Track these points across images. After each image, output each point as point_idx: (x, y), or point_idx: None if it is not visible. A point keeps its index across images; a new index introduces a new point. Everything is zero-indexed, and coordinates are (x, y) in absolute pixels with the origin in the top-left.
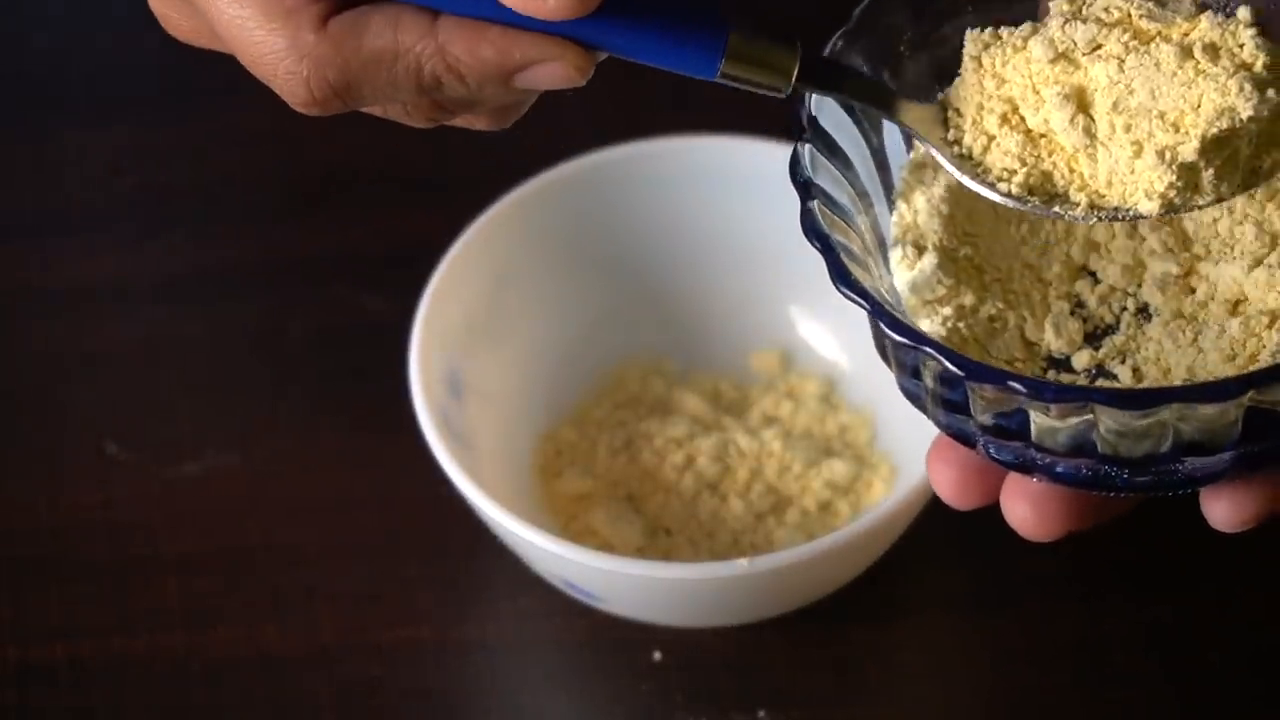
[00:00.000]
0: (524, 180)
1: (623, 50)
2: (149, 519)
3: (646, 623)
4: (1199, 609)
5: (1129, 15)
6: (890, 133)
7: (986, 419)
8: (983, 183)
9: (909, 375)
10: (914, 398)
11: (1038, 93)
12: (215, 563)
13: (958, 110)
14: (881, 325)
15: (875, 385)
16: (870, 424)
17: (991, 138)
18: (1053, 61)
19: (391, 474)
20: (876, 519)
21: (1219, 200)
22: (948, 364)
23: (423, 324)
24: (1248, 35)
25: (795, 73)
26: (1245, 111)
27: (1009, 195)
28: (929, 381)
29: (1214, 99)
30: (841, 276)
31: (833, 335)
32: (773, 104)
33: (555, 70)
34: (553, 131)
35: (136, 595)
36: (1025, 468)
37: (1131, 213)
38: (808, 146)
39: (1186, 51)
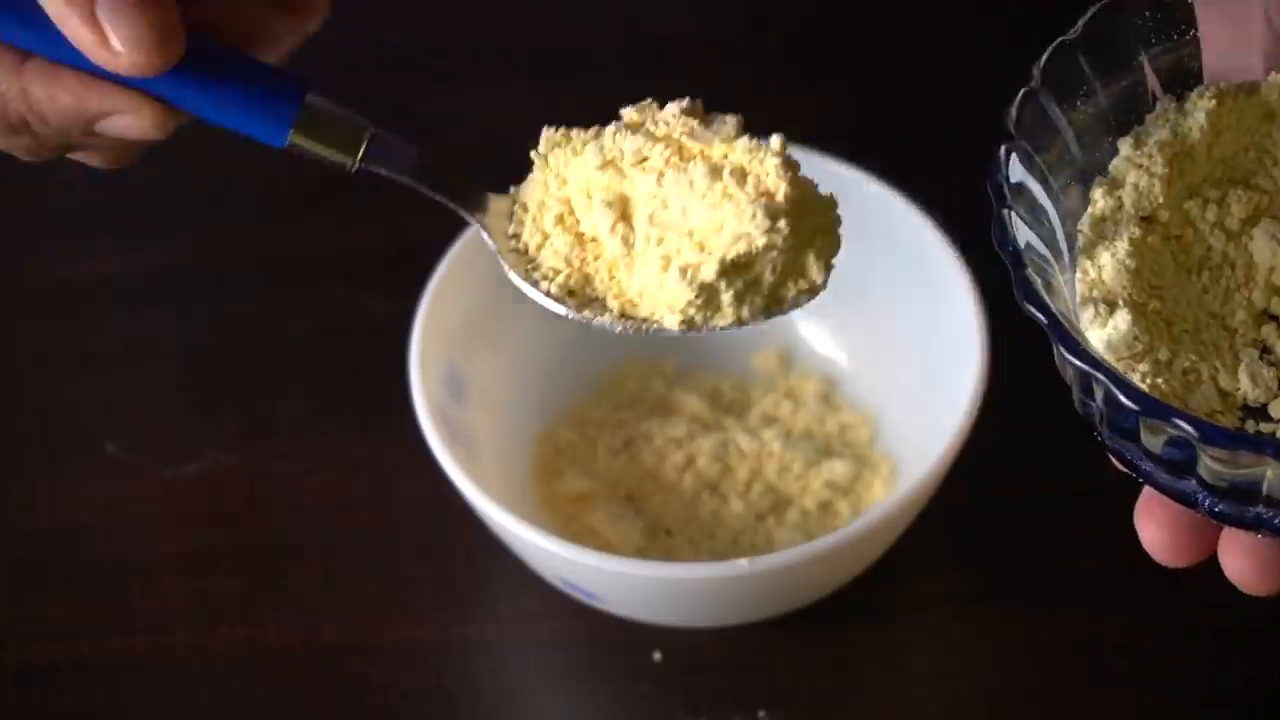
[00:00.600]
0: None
1: (198, 109)
2: (149, 519)
3: (646, 623)
4: (1199, 609)
5: (674, 131)
6: (1069, 190)
7: (1219, 479)
8: (528, 280)
9: (1125, 439)
10: (1128, 462)
11: (590, 197)
12: (215, 563)
13: (524, 206)
14: (1122, 398)
15: (875, 385)
16: (870, 424)
17: (546, 236)
18: (601, 168)
19: (391, 474)
20: (876, 519)
21: (739, 322)
22: (1189, 429)
23: (423, 324)
24: (773, 164)
25: (362, 150)
26: (759, 240)
27: (548, 294)
28: (1151, 443)
29: (734, 224)
30: (1070, 347)
31: (833, 335)
32: (773, 105)
33: (130, 123)
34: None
35: (137, 595)
36: (1248, 524)
37: (655, 327)
38: (1012, 212)
39: (717, 173)
